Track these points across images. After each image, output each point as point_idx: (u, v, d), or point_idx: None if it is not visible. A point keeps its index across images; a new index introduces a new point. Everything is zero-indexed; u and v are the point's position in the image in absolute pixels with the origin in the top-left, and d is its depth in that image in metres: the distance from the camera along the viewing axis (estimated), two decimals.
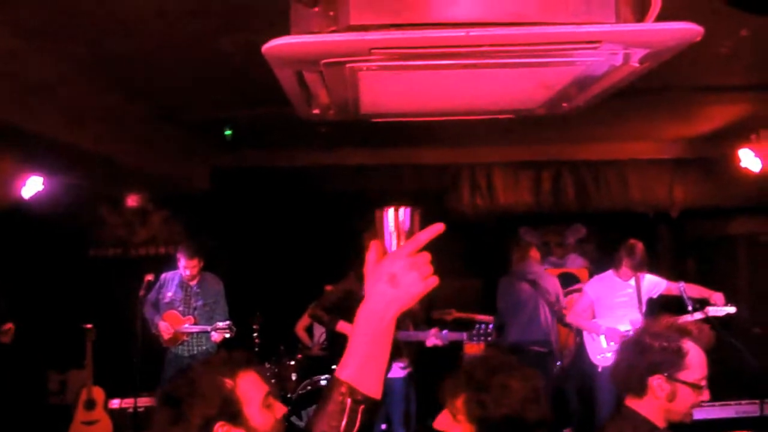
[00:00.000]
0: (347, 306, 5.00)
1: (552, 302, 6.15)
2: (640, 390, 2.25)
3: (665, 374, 2.22)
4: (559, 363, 6.45)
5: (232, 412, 1.72)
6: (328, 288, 5.55)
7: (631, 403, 2.28)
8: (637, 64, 2.70)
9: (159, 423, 1.76)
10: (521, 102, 3.23)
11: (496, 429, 1.96)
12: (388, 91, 2.92)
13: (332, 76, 2.57)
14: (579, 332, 6.07)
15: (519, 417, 1.95)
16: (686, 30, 2.43)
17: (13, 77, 3.73)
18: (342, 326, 4.95)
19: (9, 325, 5.73)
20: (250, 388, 1.79)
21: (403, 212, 1.60)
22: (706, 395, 2.25)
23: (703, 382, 2.24)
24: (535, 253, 6.49)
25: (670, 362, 2.23)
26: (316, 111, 3.18)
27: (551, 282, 6.28)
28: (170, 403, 1.75)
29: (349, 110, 3.19)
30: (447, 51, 2.37)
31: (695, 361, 2.24)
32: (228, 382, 1.76)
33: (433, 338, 4.78)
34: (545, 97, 3.14)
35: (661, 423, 2.26)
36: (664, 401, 2.23)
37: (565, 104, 3.37)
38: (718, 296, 5.51)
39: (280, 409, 1.82)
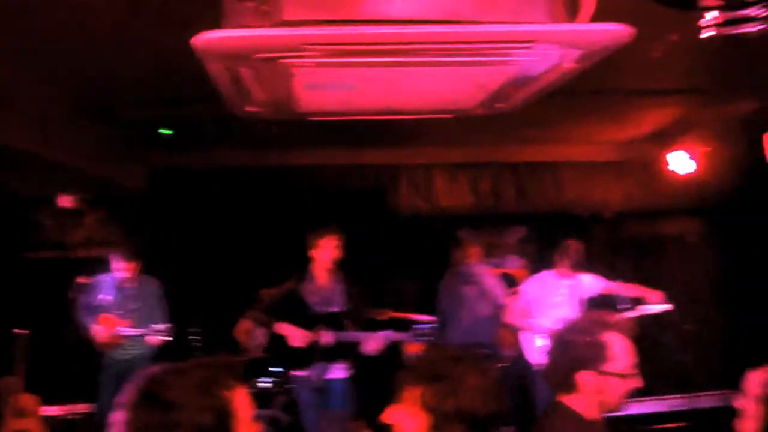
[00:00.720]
0: (288, 307, 4.98)
1: (494, 302, 6.20)
2: (570, 386, 2.27)
3: (592, 369, 2.24)
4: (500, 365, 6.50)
5: (226, 426, 1.64)
6: (264, 291, 5.52)
7: (564, 398, 2.30)
8: (571, 64, 2.77)
9: (140, 425, 1.65)
10: (459, 102, 3.26)
11: (453, 420, 1.95)
12: (323, 89, 2.91)
13: (266, 72, 2.55)
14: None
15: (475, 410, 1.95)
16: (617, 31, 2.49)
17: None
18: (280, 327, 4.94)
19: None
20: (243, 403, 1.72)
21: None
22: (637, 382, 2.27)
23: (630, 370, 2.26)
24: (476, 252, 6.51)
25: (594, 356, 2.24)
26: (251, 108, 3.16)
27: (493, 282, 6.33)
28: (159, 406, 1.64)
29: (284, 108, 3.17)
30: (381, 48, 2.37)
31: (618, 351, 2.26)
32: (226, 394, 1.68)
33: (372, 343, 4.78)
34: (482, 96, 3.18)
35: (594, 414, 2.27)
36: (594, 394, 2.25)
37: (502, 104, 3.42)
38: (656, 294, 5.65)
39: (259, 429, 1.76)
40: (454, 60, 2.42)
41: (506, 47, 2.38)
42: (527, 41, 2.35)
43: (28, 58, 4.13)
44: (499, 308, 6.15)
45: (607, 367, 2.23)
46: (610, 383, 2.24)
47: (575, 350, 2.27)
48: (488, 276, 6.41)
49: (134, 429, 1.64)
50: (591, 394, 2.25)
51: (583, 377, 2.24)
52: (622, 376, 2.24)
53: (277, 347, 4.98)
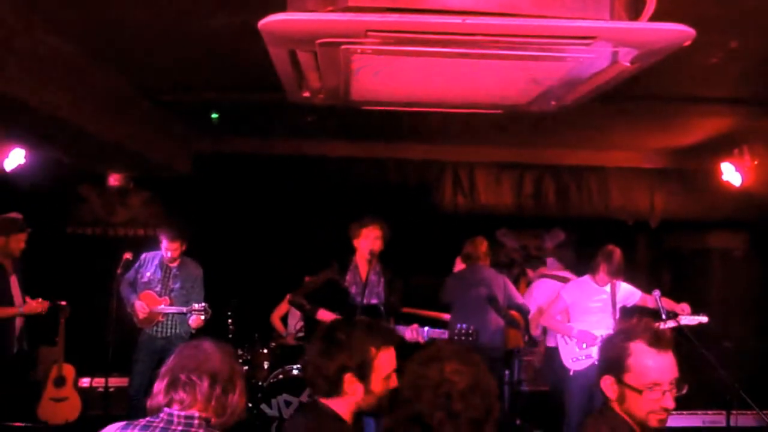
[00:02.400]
0: (328, 295, 5.00)
1: (500, 306, 6.04)
2: (607, 390, 2.25)
3: (614, 376, 2.20)
4: (507, 371, 6.45)
5: (364, 372, 2.32)
6: (308, 279, 5.55)
7: (612, 402, 2.26)
8: (628, 64, 2.74)
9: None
10: (510, 97, 3.25)
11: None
12: (380, 78, 2.93)
13: (326, 58, 2.57)
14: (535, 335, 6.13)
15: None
16: (679, 31, 2.46)
17: (2, 45, 3.68)
18: (322, 314, 4.93)
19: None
20: (385, 360, 2.38)
21: None
22: (667, 402, 2.14)
23: (654, 387, 2.14)
24: (485, 254, 6.24)
25: (615, 365, 2.20)
26: (306, 94, 3.18)
27: (499, 285, 6.09)
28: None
29: (339, 95, 3.20)
30: (442, 38, 2.38)
31: (640, 364, 2.16)
32: (373, 350, 2.35)
33: (413, 332, 4.77)
34: (535, 93, 3.17)
35: (636, 425, 2.20)
36: (618, 403, 2.21)
37: (553, 102, 3.41)
38: (684, 307, 5.56)
39: (394, 382, 2.34)
40: (511, 53, 2.42)
41: (565, 43, 2.37)
42: (587, 38, 2.34)
43: (88, 38, 4.22)
44: (505, 312, 6.03)
45: (626, 378, 2.17)
46: (629, 396, 2.17)
47: (603, 356, 2.29)
48: (496, 278, 6.14)
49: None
50: (615, 402, 2.21)
51: (606, 383, 2.22)
52: (639, 391, 2.15)
53: (313, 332, 5.01)
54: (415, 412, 1.94)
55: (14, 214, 5.57)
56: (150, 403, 2.16)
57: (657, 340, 2.19)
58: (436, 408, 1.91)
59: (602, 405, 2.31)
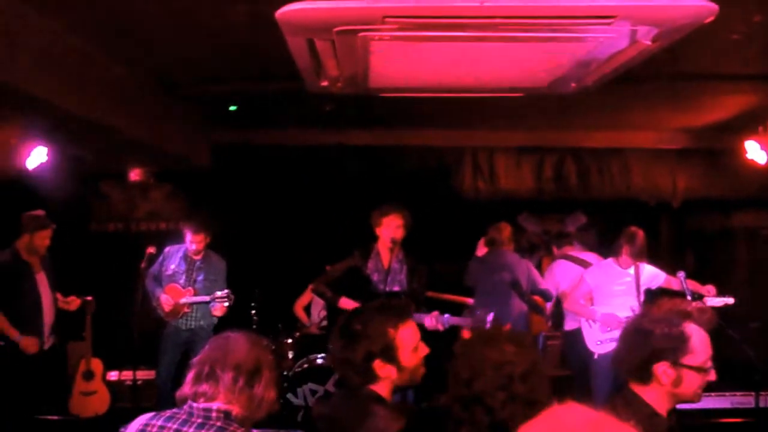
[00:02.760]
0: (350, 283, 5.00)
1: (524, 292, 6.03)
2: (645, 377, 2.21)
3: (669, 360, 2.17)
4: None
5: (390, 354, 2.32)
6: (328, 268, 5.56)
7: (635, 387, 2.24)
8: (649, 43, 2.71)
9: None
10: (530, 80, 3.23)
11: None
12: (398, 64, 2.92)
13: (344, 46, 2.57)
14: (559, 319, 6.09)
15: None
16: (701, 7, 2.43)
17: (17, 41, 3.71)
18: (344, 302, 4.94)
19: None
20: (407, 335, 2.38)
21: None
22: (712, 375, 2.21)
23: (709, 364, 2.20)
24: (508, 239, 6.24)
25: (674, 348, 2.18)
26: (324, 83, 3.18)
27: (523, 270, 6.09)
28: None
29: (357, 83, 3.20)
30: (460, 22, 2.36)
31: (698, 343, 2.19)
32: (391, 331, 2.34)
33: (433, 320, 4.76)
34: (554, 75, 3.14)
35: (664, 407, 2.21)
36: (670, 387, 2.19)
37: (573, 84, 3.38)
38: (710, 288, 5.50)
39: (424, 350, 2.41)
40: (531, 35, 2.40)
41: (584, 23, 2.34)
42: (607, 17, 2.31)
43: (103, 32, 4.23)
44: (529, 297, 6.03)
45: (687, 360, 2.17)
46: (687, 376, 2.18)
47: (655, 340, 2.20)
48: (519, 263, 6.15)
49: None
50: (666, 386, 2.19)
51: (660, 369, 2.18)
52: (699, 370, 2.18)
53: (335, 320, 5.03)
54: (475, 393, 1.93)
55: (38, 212, 5.63)
56: (178, 394, 2.19)
57: (702, 319, 2.24)
58: (497, 389, 1.91)
59: (622, 389, 2.28)
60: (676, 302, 2.39)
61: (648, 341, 2.21)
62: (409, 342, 2.39)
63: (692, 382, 2.19)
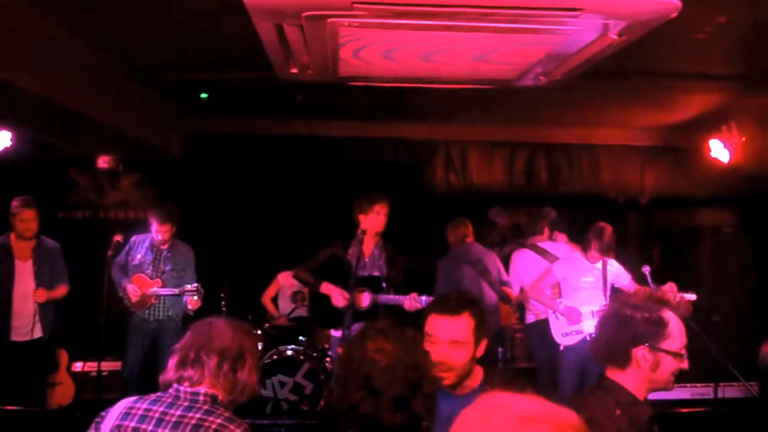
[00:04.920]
0: (330, 268, 5.04)
1: (494, 282, 6.15)
2: (623, 362, 2.27)
3: (648, 344, 2.24)
4: (501, 349, 6.48)
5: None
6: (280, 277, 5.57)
7: (613, 374, 2.30)
8: (616, 37, 2.75)
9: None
10: (500, 71, 3.25)
11: None
12: (367, 52, 2.92)
13: (313, 32, 2.56)
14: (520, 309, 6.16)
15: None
16: (665, 3, 2.47)
17: None
18: (325, 287, 4.98)
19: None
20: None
21: None
22: (685, 364, 2.28)
23: (683, 351, 2.27)
24: (470, 233, 6.42)
25: (653, 332, 2.25)
26: (294, 70, 3.18)
27: (492, 261, 6.24)
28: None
29: (327, 71, 3.19)
30: (428, 10, 2.37)
31: (675, 330, 2.27)
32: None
33: (412, 301, 4.82)
34: (524, 67, 3.17)
35: (641, 394, 2.28)
36: (648, 371, 2.25)
37: (543, 77, 3.41)
38: (670, 286, 5.59)
39: None
40: (500, 26, 2.41)
41: (553, 15, 2.37)
42: (575, 9, 2.34)
43: (74, 17, 4.17)
44: (498, 288, 6.12)
45: (665, 344, 2.25)
46: (664, 361, 2.25)
47: (635, 325, 2.26)
48: (488, 254, 6.31)
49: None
50: (644, 371, 2.26)
51: (639, 353, 2.25)
52: (676, 355, 2.25)
53: (320, 307, 5.07)
54: (344, 392, 2.03)
55: (23, 197, 5.58)
56: (162, 378, 2.23)
57: (678, 307, 2.33)
58: (358, 387, 1.98)
59: (600, 378, 2.34)
60: (653, 291, 2.48)
61: (628, 326, 2.28)
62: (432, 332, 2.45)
63: (668, 367, 2.25)
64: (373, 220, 4.97)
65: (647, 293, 2.43)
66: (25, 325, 5.61)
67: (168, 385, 2.18)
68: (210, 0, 3.71)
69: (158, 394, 2.18)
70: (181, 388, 2.14)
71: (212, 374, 2.15)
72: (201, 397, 2.12)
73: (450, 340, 2.41)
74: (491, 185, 7.44)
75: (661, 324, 2.26)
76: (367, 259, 5.00)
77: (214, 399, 2.14)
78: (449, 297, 2.56)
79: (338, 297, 4.90)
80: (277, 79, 3.69)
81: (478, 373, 2.50)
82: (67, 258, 6.43)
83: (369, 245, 5.05)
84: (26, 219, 5.59)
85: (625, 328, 2.28)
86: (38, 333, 5.67)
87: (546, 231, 6.42)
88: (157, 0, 3.81)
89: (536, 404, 1.15)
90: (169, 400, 2.13)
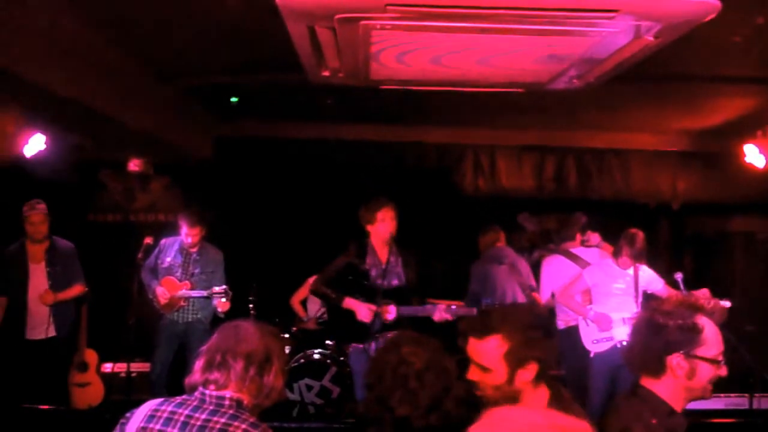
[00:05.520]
0: (349, 280, 4.96)
1: (525, 285, 6.16)
2: (658, 370, 2.22)
3: (683, 352, 2.18)
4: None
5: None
6: (311, 280, 5.57)
7: (648, 383, 2.24)
8: (651, 39, 2.70)
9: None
10: (532, 75, 3.21)
11: None
12: (399, 56, 2.90)
13: (345, 34, 2.55)
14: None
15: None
16: (703, 3, 2.42)
17: (17, 25, 3.69)
18: (349, 303, 4.88)
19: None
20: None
21: None
22: (724, 371, 2.21)
23: (720, 357, 2.21)
24: (502, 237, 6.51)
25: (687, 339, 2.19)
26: (325, 73, 3.17)
27: (523, 265, 6.30)
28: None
29: (358, 74, 3.18)
30: (462, 12, 2.35)
31: (711, 336, 2.21)
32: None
33: (442, 313, 4.76)
34: (557, 69, 3.13)
35: (679, 403, 2.22)
36: (684, 379, 2.19)
37: (575, 80, 3.37)
38: (704, 292, 5.49)
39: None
40: (533, 28, 2.38)
41: (587, 16, 2.33)
42: (610, 10, 2.30)
43: (103, 20, 4.21)
44: (528, 291, 6.12)
45: (700, 351, 2.18)
46: (700, 368, 2.19)
47: (669, 332, 2.20)
48: (520, 259, 6.37)
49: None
50: (680, 379, 2.19)
51: (674, 360, 2.19)
52: (712, 362, 2.19)
53: (341, 321, 4.97)
54: (377, 395, 2.11)
55: (34, 200, 5.68)
56: (187, 381, 2.20)
57: (712, 313, 2.27)
58: (395, 388, 2.08)
59: (635, 386, 2.28)
60: (686, 296, 2.42)
61: (662, 333, 2.22)
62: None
63: (705, 374, 2.19)
64: (381, 228, 4.88)
65: (680, 299, 2.36)
66: (40, 325, 5.72)
67: (194, 388, 2.16)
68: (241, 2, 3.73)
69: (184, 396, 2.16)
70: (207, 392, 2.12)
71: (238, 378, 2.13)
72: (227, 402, 2.10)
73: (477, 363, 2.22)
74: (521, 190, 7.39)
75: (695, 330, 2.19)
76: (384, 267, 4.90)
77: (239, 403, 2.11)
78: (480, 315, 2.48)
79: (364, 312, 4.80)
80: (307, 82, 3.68)
81: (543, 395, 2.25)
82: (98, 261, 6.52)
83: (383, 252, 4.95)
84: (35, 222, 5.70)
85: (658, 336, 2.22)
86: (52, 332, 5.76)
87: (578, 237, 6.37)
88: (189, 3, 3.83)
89: (543, 417, 1.12)
90: (195, 403, 2.11)
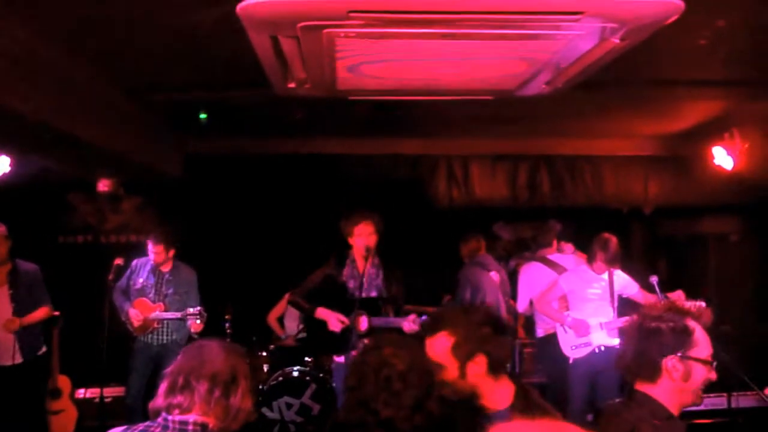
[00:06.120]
0: (327, 291, 4.96)
1: (507, 293, 6.35)
2: (653, 374, 2.24)
3: (678, 354, 2.21)
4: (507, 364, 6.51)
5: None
6: (287, 297, 5.58)
7: (644, 387, 2.27)
8: (617, 41, 2.70)
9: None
10: (501, 81, 3.21)
11: None
12: (365, 65, 2.88)
13: (309, 43, 2.52)
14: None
15: None
16: (666, 4, 2.43)
17: None
18: (321, 312, 4.91)
19: None
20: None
21: None
22: (714, 374, 2.25)
23: (711, 359, 2.24)
24: (484, 246, 6.67)
25: (681, 342, 2.22)
26: (291, 85, 3.14)
27: (503, 273, 6.49)
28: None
29: (325, 85, 3.15)
30: (425, 18, 2.33)
31: (701, 338, 2.24)
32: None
33: (410, 324, 4.75)
34: (525, 76, 3.12)
35: (675, 407, 2.25)
36: (680, 382, 2.21)
37: (544, 86, 3.37)
38: (678, 294, 5.53)
39: None
40: (500, 33, 2.37)
41: (553, 19, 2.33)
42: (575, 13, 2.30)
43: (68, 38, 4.14)
44: (509, 297, 6.21)
45: (693, 352, 2.21)
46: (695, 370, 2.21)
47: (662, 336, 2.23)
48: (499, 268, 6.54)
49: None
50: (676, 381, 2.22)
51: (669, 363, 2.21)
52: (705, 362, 2.22)
53: (316, 332, 4.99)
54: (360, 398, 2.10)
55: None
56: (151, 405, 2.13)
57: (699, 316, 2.32)
58: (378, 391, 2.08)
59: (630, 392, 2.30)
60: (672, 301, 2.46)
61: (655, 337, 2.25)
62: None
63: (699, 376, 2.22)
64: (358, 242, 4.89)
65: (667, 304, 2.40)
66: (5, 351, 5.52)
67: (157, 413, 2.08)
68: (207, 18, 3.69)
69: (147, 423, 2.07)
70: (170, 417, 2.03)
71: (203, 400, 2.05)
72: (190, 427, 2.02)
73: (433, 360, 2.32)
74: (494, 199, 7.41)
75: (687, 332, 2.23)
76: (364, 279, 4.90)
77: (204, 428, 2.03)
78: (431, 316, 2.57)
79: (334, 322, 4.83)
80: (276, 97, 3.65)
81: (507, 391, 2.36)
82: (68, 283, 6.39)
83: (363, 264, 4.94)
84: None
85: (652, 340, 2.25)
86: (19, 359, 5.55)
87: (554, 243, 6.41)
88: (154, 20, 3.78)
89: (548, 429, 1.10)
90: (158, 430, 2.03)
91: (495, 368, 2.32)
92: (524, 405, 2.30)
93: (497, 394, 2.34)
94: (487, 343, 2.31)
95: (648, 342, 2.26)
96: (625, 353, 2.35)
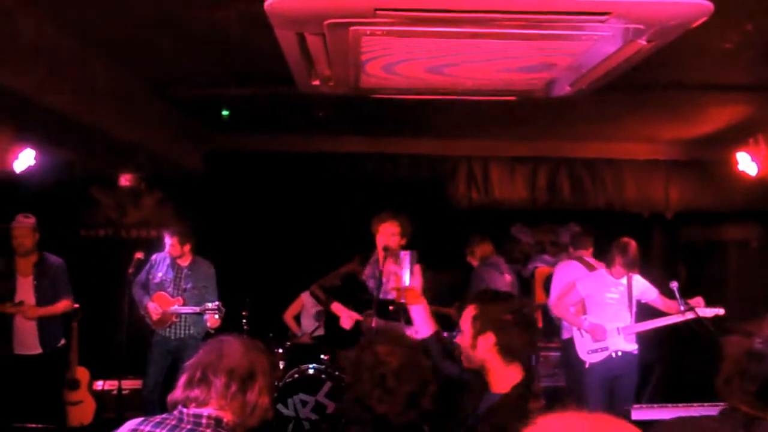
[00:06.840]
0: (346, 288, 4.99)
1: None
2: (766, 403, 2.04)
3: None
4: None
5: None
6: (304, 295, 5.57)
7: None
8: (644, 42, 2.68)
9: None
10: (526, 82, 3.20)
11: None
12: (390, 64, 2.88)
13: (335, 41, 2.53)
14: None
15: None
16: (695, 5, 2.41)
17: (6, 40, 3.65)
18: (335, 307, 4.98)
19: None
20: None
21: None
22: None
23: None
24: (494, 249, 6.77)
25: None
26: (315, 82, 3.15)
27: (514, 277, 6.61)
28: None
29: (349, 83, 3.16)
30: (453, 16, 2.33)
31: None
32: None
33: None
34: (550, 76, 3.11)
35: None
36: None
37: (569, 87, 3.35)
38: (698, 300, 5.46)
39: None
40: (525, 32, 2.36)
41: (579, 19, 2.32)
42: (602, 13, 2.28)
43: (93, 33, 4.18)
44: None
45: None
46: None
47: None
48: (510, 269, 6.64)
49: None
50: None
51: None
52: None
53: (333, 326, 5.07)
54: (355, 395, 2.20)
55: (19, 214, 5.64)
56: (170, 398, 2.14)
57: None
58: (373, 387, 2.17)
59: (750, 421, 2.18)
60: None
61: (765, 363, 2.05)
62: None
63: None
64: (382, 240, 4.89)
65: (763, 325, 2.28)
66: (27, 340, 5.63)
67: (174, 406, 2.09)
68: (231, 14, 3.71)
69: (164, 415, 2.09)
70: (185, 410, 2.05)
71: (219, 395, 2.05)
72: (204, 420, 2.02)
73: (459, 326, 2.53)
74: (513, 201, 7.38)
75: None
76: (385, 279, 4.89)
77: (218, 422, 2.03)
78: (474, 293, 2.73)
79: (345, 319, 4.88)
80: (299, 93, 3.66)
81: (512, 377, 2.43)
82: (89, 276, 6.44)
83: (383, 264, 4.94)
84: (17, 236, 5.65)
85: (763, 365, 2.04)
86: (38, 349, 5.66)
87: (591, 247, 6.37)
88: (178, 15, 3.81)
89: (601, 422, 1.10)
90: (173, 422, 2.04)
91: (504, 352, 2.41)
92: (520, 395, 2.37)
93: (501, 377, 2.43)
94: (502, 328, 2.41)
95: (757, 367, 2.03)
96: (728, 375, 2.09)
